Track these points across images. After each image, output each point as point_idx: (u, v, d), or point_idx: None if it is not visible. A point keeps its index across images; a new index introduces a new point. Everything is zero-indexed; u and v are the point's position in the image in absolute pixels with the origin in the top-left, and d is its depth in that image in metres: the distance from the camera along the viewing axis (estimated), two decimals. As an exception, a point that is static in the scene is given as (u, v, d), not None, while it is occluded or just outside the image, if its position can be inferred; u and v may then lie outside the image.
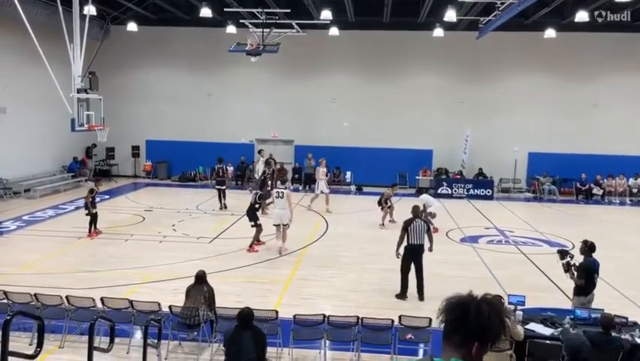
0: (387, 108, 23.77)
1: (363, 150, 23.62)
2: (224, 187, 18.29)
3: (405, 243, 9.91)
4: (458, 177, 22.89)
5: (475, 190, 22.01)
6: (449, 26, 20.36)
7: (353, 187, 23.22)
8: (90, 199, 14.03)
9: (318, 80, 24.08)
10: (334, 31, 21.21)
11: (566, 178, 22.87)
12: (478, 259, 12.83)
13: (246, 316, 6.12)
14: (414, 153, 23.46)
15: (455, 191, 22.05)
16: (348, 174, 23.78)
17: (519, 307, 7.46)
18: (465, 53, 22.90)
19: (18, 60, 18.92)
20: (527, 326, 7.05)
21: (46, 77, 14.50)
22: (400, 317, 7.42)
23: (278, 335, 7.39)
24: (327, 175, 17.95)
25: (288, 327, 7.49)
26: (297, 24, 19.02)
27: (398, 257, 9.97)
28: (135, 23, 22.00)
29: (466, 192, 21.94)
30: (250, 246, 13.09)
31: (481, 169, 23.01)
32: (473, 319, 2.02)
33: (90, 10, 15.54)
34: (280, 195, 13.01)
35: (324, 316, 7.50)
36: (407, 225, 9.90)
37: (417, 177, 23.10)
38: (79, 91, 14.41)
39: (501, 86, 23.35)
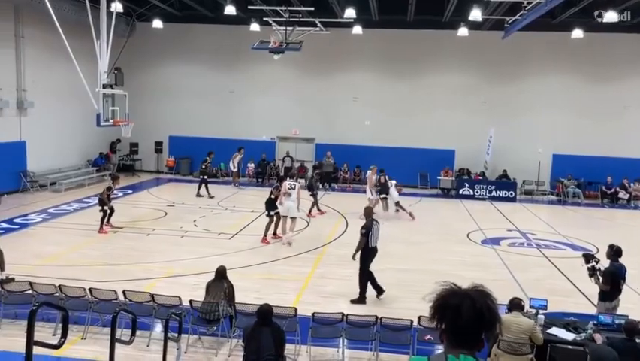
0: (409, 107, 23.63)
1: (384, 149, 23.51)
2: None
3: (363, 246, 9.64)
4: (480, 178, 22.65)
5: (498, 192, 21.75)
6: (474, 25, 20.13)
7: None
8: (106, 196, 14.17)
9: (340, 79, 24.05)
10: (357, 29, 21.15)
11: (591, 181, 22.43)
12: (499, 261, 12.68)
13: (265, 312, 6.15)
14: (435, 152, 23.28)
15: (477, 192, 21.82)
16: (375, 175, 23.63)
17: (541, 311, 7.36)
18: (490, 52, 22.64)
19: (46, 56, 19.29)
20: (549, 331, 6.95)
21: (74, 72, 14.78)
22: (419, 317, 7.38)
23: (296, 332, 7.41)
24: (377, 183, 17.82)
25: (307, 325, 7.51)
26: (320, 22, 19.02)
27: (354, 259, 9.73)
28: (160, 20, 22.27)
29: (488, 194, 21.70)
30: (264, 237, 13.39)
31: (505, 171, 22.72)
32: (467, 316, 2.05)
33: (117, 7, 15.81)
34: (292, 187, 13.40)
35: (343, 314, 7.49)
36: (369, 229, 9.61)
37: (438, 178, 22.92)
38: (105, 86, 14.65)
39: (526, 86, 23.01)
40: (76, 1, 17.25)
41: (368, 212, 10.08)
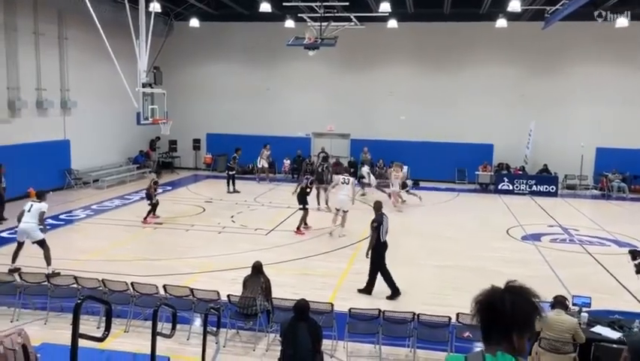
0: (446, 102, 23.28)
1: (420, 144, 23.28)
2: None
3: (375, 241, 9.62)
4: (520, 172, 22.14)
5: (538, 187, 21.21)
6: (513, 17, 19.64)
7: (409, 182, 22.89)
8: (153, 190, 14.68)
9: (376, 73, 23.90)
10: (393, 23, 20.93)
11: (637, 175, 21.65)
12: (540, 257, 12.38)
13: (302, 308, 6.19)
14: (473, 147, 22.88)
15: (517, 187, 21.33)
16: (405, 168, 23.45)
17: (584, 309, 7.16)
18: (529, 44, 22.06)
19: (88, 56, 19.85)
20: (593, 329, 6.75)
21: (114, 72, 15.17)
22: (457, 314, 7.28)
23: (333, 327, 7.42)
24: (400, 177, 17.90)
25: (343, 320, 7.51)
26: (355, 17, 18.91)
27: (368, 257, 9.64)
28: (197, 19, 22.60)
29: (528, 189, 21.19)
30: (297, 228, 13.65)
31: (546, 165, 22.15)
32: (500, 312, 2.06)
33: (155, 7, 16.09)
34: (346, 181, 13.67)
35: (380, 311, 7.46)
36: (380, 222, 9.53)
37: (476, 173, 22.51)
38: (144, 85, 14.96)
39: (567, 78, 22.34)
40: (115, 2, 17.68)
41: (378, 206, 10.00)
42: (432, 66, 23.38)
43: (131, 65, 15.56)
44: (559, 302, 6.52)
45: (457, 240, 13.76)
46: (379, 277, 9.69)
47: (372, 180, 19.08)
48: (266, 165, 22.40)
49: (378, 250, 9.62)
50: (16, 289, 8.45)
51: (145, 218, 14.78)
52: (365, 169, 19.90)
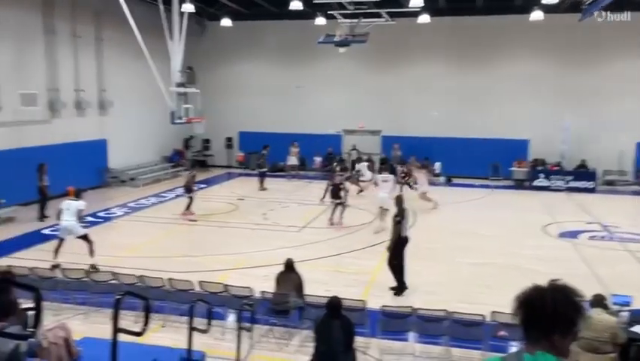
0: (479, 96, 22.93)
1: (453, 140, 22.99)
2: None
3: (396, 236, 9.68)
4: (557, 168, 21.63)
5: (576, 183, 20.69)
6: (548, 8, 19.15)
7: (442, 178, 22.68)
8: (192, 183, 15.47)
9: (407, 69, 23.70)
10: (424, 18, 20.66)
11: (680, 170, 20.94)
12: (578, 255, 12.09)
13: (334, 305, 6.21)
14: (508, 143, 22.46)
15: (553, 183, 20.87)
16: (437, 164, 23.24)
17: (625, 309, 6.97)
18: (565, 36, 21.51)
19: (124, 57, 20.30)
20: (633, 329, 6.57)
21: (149, 72, 15.50)
22: (492, 312, 7.19)
23: (366, 325, 7.42)
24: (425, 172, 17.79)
25: (376, 318, 7.51)
26: (386, 13, 18.79)
27: (389, 250, 9.70)
28: (229, 19, 22.84)
29: (565, 185, 20.69)
30: (333, 223, 14.15)
31: (583, 161, 21.58)
32: (541, 312, 2.01)
33: (188, 7, 16.33)
34: (386, 179, 13.92)
35: (413, 308, 7.43)
36: (403, 217, 9.57)
37: (511, 169, 22.11)
38: (178, 85, 15.22)
39: (605, 71, 21.67)
40: (150, 3, 18.02)
41: (399, 201, 9.99)
42: (464, 60, 23.05)
43: (166, 65, 15.88)
44: (597, 302, 6.37)
45: (491, 237, 13.56)
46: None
47: (368, 174, 19.01)
48: (295, 163, 22.49)
49: (400, 245, 9.69)
50: (58, 284, 8.74)
51: (184, 212, 15.19)
52: (363, 165, 19.87)
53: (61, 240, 10.72)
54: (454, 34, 22.78)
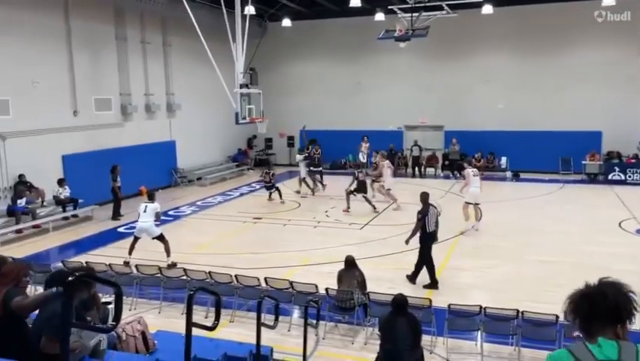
0: (547, 87, 22.01)
1: (519, 133, 22.22)
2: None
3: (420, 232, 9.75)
4: (633, 161, 20.43)
5: (655, 176, 19.50)
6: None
7: (509, 173, 21.97)
8: (268, 178, 17.42)
9: (470, 61, 23.11)
10: (488, 9, 20.07)
11: None
12: (659, 253, 11.38)
13: (400, 302, 6.18)
14: (579, 135, 21.45)
15: (629, 177, 19.77)
16: (504, 159, 22.56)
17: None
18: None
19: (189, 61, 21.02)
20: None
21: (213, 74, 15.98)
22: (564, 312, 6.89)
23: (432, 323, 7.34)
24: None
25: (442, 316, 7.40)
26: (447, 5, 18.38)
27: (407, 243, 9.87)
28: (289, 19, 23.11)
29: (643, 178, 19.54)
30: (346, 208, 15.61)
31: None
32: (604, 306, 2.19)
33: (250, 10, 16.67)
34: (477, 174, 13.61)
35: (481, 307, 7.26)
36: (424, 214, 9.58)
37: (583, 162, 21.09)
38: (241, 86, 15.57)
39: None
40: (213, 8, 18.54)
41: (424, 198, 9.96)
42: (531, 50, 22.18)
43: (229, 66, 16.32)
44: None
45: (562, 234, 13.01)
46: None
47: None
48: (364, 160, 22.23)
49: (425, 241, 9.72)
50: (133, 280, 9.19)
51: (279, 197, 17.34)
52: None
53: (137, 238, 11.26)
54: (519, 23, 21.97)
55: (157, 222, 11.37)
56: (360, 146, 22.24)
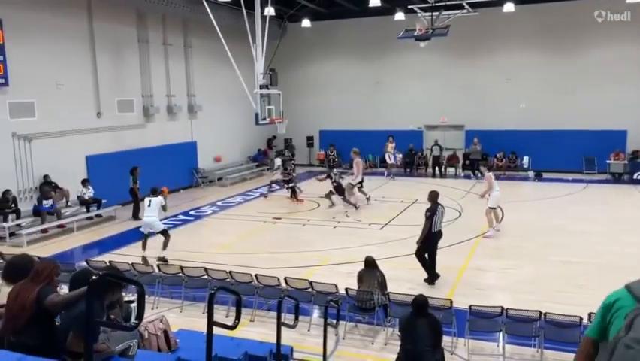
0: (570, 86, 21.65)
1: (542, 132, 21.92)
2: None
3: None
4: (660, 160, 20.02)
5: (683, 175, 19.06)
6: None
7: (531, 173, 21.69)
8: (285, 175, 17.76)
9: (491, 60, 22.86)
10: (509, 6, 19.83)
11: None
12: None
13: (421, 303, 6.15)
14: (603, 134, 21.07)
15: (656, 176, 19.35)
16: (526, 159, 22.27)
17: None
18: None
19: (210, 62, 21.19)
20: None
21: (233, 75, 16.08)
22: (589, 314, 6.79)
23: (453, 324, 7.28)
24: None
25: (463, 317, 7.34)
26: (468, 3, 18.24)
27: (418, 244, 9.77)
28: (308, 19, 23.15)
29: (670, 178, 19.12)
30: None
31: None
32: None
33: (270, 11, 16.75)
34: (497, 177, 13.73)
35: (503, 308, 7.19)
36: (433, 213, 9.58)
37: (607, 162, 20.72)
38: (261, 87, 15.65)
39: None
40: (233, 9, 18.67)
41: (433, 196, 9.96)
42: (553, 48, 21.85)
43: (249, 67, 16.42)
44: None
45: (585, 234, 12.81)
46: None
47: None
48: (392, 161, 22.13)
49: (431, 238, 9.73)
50: (155, 279, 9.31)
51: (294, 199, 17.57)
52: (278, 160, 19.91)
53: (146, 235, 11.50)
54: (540, 20, 21.66)
55: (164, 220, 11.69)
56: (385, 146, 22.15)
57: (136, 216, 15.60)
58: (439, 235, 9.84)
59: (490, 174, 13.45)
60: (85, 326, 3.36)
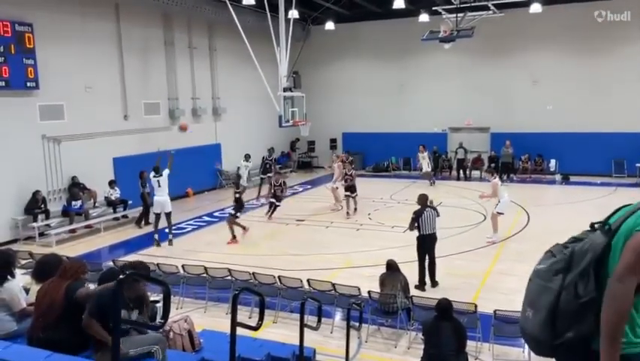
0: (598, 87, 21.21)
1: (569, 135, 21.52)
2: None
3: (417, 233, 9.91)
4: (693, 163, 19.46)
5: None
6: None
7: (558, 176, 21.30)
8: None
9: (517, 62, 22.54)
10: (536, 7, 19.48)
11: None
12: None
13: (445, 307, 6.10)
14: (633, 136, 20.59)
15: (689, 180, 18.82)
16: (553, 162, 21.88)
17: None
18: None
19: (234, 64, 21.37)
20: None
21: (257, 78, 16.18)
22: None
23: (477, 329, 7.20)
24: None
25: (488, 322, 7.25)
26: (493, 5, 18.03)
27: (405, 232, 10.12)
28: (332, 22, 23.18)
29: (703, 182, 18.57)
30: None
31: None
32: None
33: (293, 14, 16.82)
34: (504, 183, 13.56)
35: (529, 313, 7.06)
36: (418, 215, 9.65)
37: (637, 165, 20.24)
38: (285, 90, 15.71)
39: None
40: (257, 12, 18.82)
41: (422, 200, 10.05)
42: (581, 50, 21.44)
43: (273, 70, 16.50)
44: None
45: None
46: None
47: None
48: (427, 169, 21.15)
49: (421, 242, 9.86)
50: (180, 280, 9.41)
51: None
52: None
53: (158, 215, 11.79)
54: (568, 21, 21.25)
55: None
56: (418, 157, 21.38)
57: (140, 222, 15.26)
58: (429, 238, 9.85)
59: (497, 180, 13.02)
60: (112, 320, 3.41)
